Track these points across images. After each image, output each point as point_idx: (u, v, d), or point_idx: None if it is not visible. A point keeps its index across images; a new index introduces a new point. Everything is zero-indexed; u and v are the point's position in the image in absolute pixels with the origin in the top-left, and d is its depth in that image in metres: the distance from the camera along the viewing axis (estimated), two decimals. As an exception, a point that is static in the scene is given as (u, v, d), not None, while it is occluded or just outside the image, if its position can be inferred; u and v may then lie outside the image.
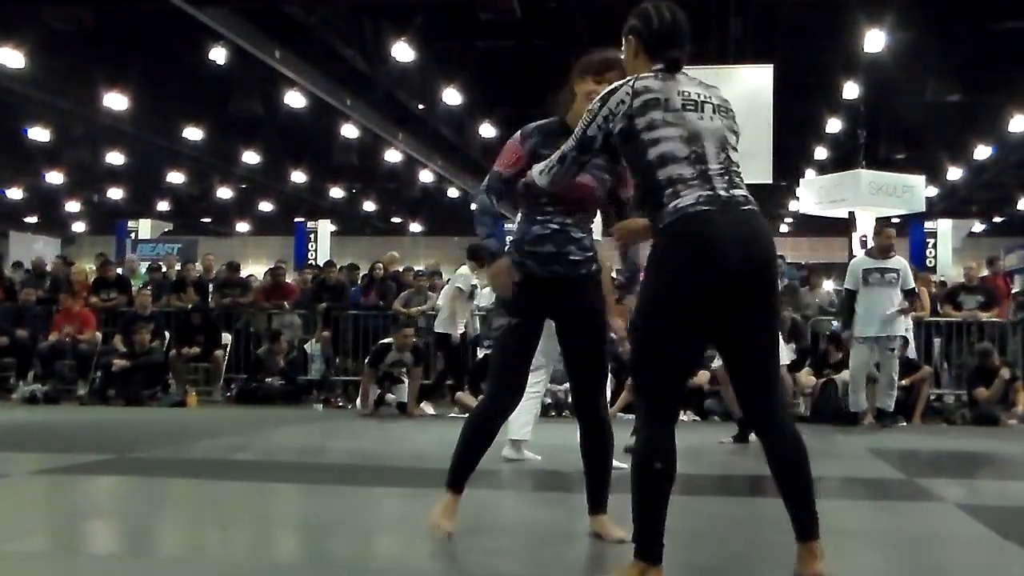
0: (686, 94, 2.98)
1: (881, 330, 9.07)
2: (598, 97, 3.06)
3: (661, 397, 2.93)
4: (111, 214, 29.22)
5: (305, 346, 12.51)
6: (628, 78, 3.05)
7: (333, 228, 26.80)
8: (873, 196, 16.29)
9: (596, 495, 3.69)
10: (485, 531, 3.93)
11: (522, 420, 5.91)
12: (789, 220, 30.14)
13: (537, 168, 3.32)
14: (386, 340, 10.40)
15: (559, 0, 14.88)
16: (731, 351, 2.98)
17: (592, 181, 3.55)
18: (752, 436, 7.51)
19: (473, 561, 3.46)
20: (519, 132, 3.61)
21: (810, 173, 22.73)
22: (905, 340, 9.72)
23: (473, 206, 3.67)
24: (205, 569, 3.39)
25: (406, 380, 10.22)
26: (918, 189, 16.87)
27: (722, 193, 2.88)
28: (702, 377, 10.24)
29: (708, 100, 3.02)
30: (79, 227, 34.96)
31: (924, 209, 17.71)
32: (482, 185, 3.62)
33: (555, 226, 3.54)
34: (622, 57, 3.26)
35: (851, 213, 16.60)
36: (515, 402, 3.63)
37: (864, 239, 16.37)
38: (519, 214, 3.64)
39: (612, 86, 3.06)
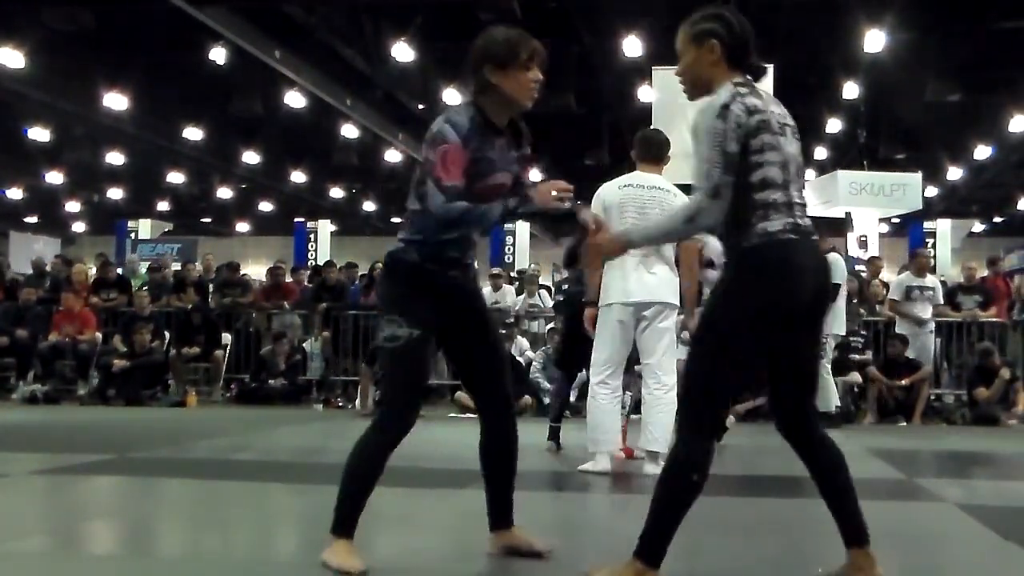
0: (775, 115, 2.97)
1: None
2: (714, 114, 2.89)
3: (716, 411, 3.00)
4: (111, 214, 29.19)
5: (304, 345, 12.50)
6: (728, 91, 2.92)
7: (333, 228, 26.78)
8: (855, 196, 16.19)
9: (506, 505, 3.40)
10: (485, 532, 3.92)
11: (616, 428, 5.63)
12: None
13: (680, 217, 2.99)
14: (383, 339, 10.38)
15: (559, 0, 14.88)
16: (780, 366, 3.03)
17: (508, 178, 3.29)
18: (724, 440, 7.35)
19: (475, 560, 3.45)
20: (452, 133, 3.12)
21: (810, 173, 22.72)
22: (837, 337, 9.21)
23: (446, 213, 3.10)
24: (205, 569, 3.40)
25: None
26: (912, 187, 16.65)
27: (800, 222, 2.94)
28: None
29: (787, 122, 3.01)
30: (79, 227, 34.94)
31: (921, 207, 17.58)
32: (439, 200, 3.09)
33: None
34: (689, 62, 3.04)
35: (848, 214, 16.57)
36: (413, 423, 3.22)
37: (864, 239, 16.37)
38: (417, 212, 3.21)
39: (721, 100, 2.90)
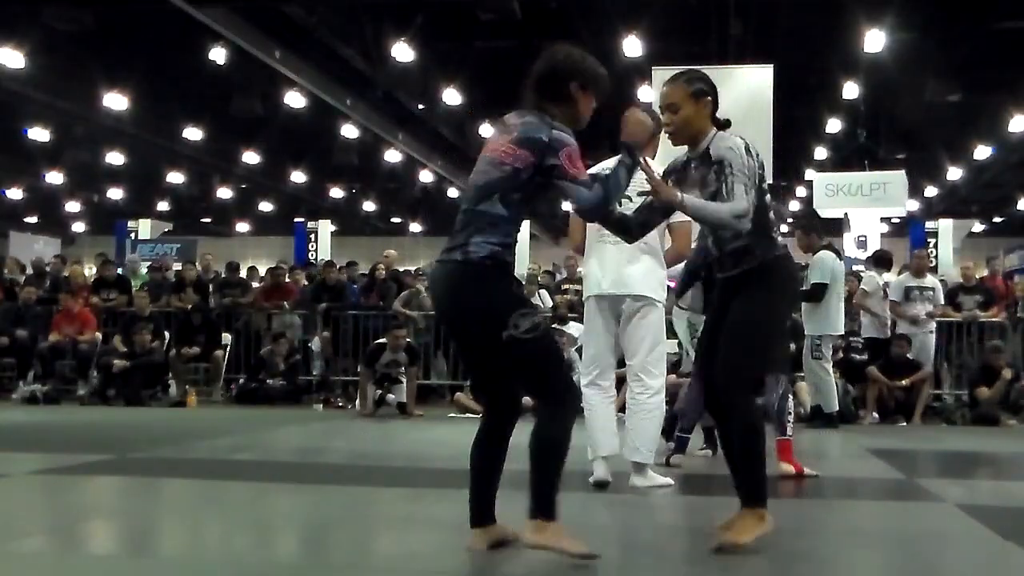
0: None
1: None
2: (744, 149, 3.51)
3: (754, 383, 3.92)
4: (111, 214, 29.17)
5: (311, 345, 12.49)
6: (738, 137, 3.56)
7: (333, 228, 26.76)
8: (830, 198, 16.16)
9: (491, 502, 3.46)
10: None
11: (611, 429, 5.02)
12: (790, 220, 30.26)
13: (729, 211, 3.42)
14: (380, 340, 10.40)
15: (559, 0, 14.88)
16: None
17: None
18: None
19: (475, 560, 3.45)
20: (568, 135, 3.37)
21: (810, 173, 22.74)
22: (816, 340, 8.90)
23: (598, 200, 3.40)
24: (205, 569, 3.40)
25: (404, 380, 10.21)
26: (895, 185, 16.37)
27: None
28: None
29: None
30: (79, 227, 34.94)
31: (905, 205, 17.43)
32: (586, 194, 3.38)
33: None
34: (688, 115, 3.62)
35: (846, 214, 16.57)
36: None
37: (863, 239, 16.36)
38: (502, 218, 3.35)
39: (742, 142, 3.53)
